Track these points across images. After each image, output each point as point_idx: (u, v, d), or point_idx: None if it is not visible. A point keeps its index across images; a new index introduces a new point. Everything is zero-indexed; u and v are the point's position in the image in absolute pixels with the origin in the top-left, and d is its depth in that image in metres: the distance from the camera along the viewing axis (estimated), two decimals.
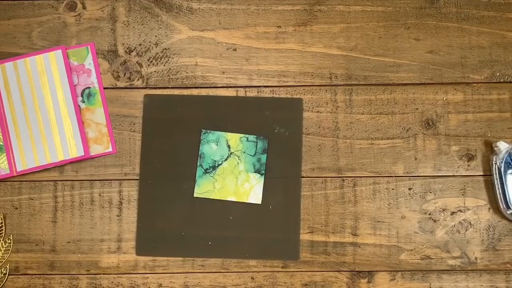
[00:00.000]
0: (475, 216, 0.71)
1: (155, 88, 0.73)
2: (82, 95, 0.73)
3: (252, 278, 0.71)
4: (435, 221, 0.71)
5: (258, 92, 0.73)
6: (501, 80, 0.73)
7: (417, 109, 0.73)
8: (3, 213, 0.71)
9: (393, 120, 0.73)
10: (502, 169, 0.69)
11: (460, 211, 0.71)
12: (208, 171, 0.71)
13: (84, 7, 0.74)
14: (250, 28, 0.74)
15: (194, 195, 0.71)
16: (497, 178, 0.70)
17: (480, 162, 0.72)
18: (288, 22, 0.74)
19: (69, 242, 0.71)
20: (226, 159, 0.71)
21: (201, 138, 0.72)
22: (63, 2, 0.74)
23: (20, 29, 0.74)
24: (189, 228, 0.71)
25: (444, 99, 0.73)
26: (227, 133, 0.72)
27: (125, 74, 0.74)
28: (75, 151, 0.71)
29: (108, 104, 0.73)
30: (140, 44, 0.74)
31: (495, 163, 0.70)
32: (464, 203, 0.71)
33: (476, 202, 0.71)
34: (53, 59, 0.72)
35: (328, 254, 0.70)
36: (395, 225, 0.71)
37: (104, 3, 0.75)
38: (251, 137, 0.72)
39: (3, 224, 0.71)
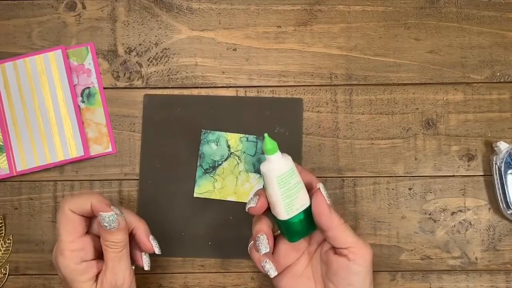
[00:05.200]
0: (475, 216, 0.71)
1: (155, 88, 0.73)
2: (82, 95, 0.73)
3: (252, 278, 0.71)
4: (435, 221, 0.71)
5: (258, 92, 0.73)
6: (502, 80, 0.73)
7: (417, 109, 0.73)
8: (3, 213, 0.71)
9: (393, 120, 0.73)
10: (502, 169, 0.69)
11: (460, 211, 0.71)
12: (208, 171, 0.71)
13: (84, 7, 0.74)
14: (250, 28, 0.74)
15: (194, 195, 0.71)
16: (497, 178, 0.69)
17: (480, 162, 0.72)
18: (288, 22, 0.74)
19: None
20: (226, 159, 0.71)
21: (201, 138, 0.72)
22: (63, 2, 0.74)
23: (20, 29, 0.74)
24: (189, 228, 0.71)
25: (444, 99, 0.73)
26: (227, 133, 0.72)
27: (125, 74, 0.73)
28: (75, 151, 0.71)
29: (108, 104, 0.73)
30: (140, 44, 0.74)
31: (495, 163, 0.69)
32: (464, 203, 0.71)
33: (476, 202, 0.71)
34: (53, 59, 0.72)
35: None
36: (395, 225, 0.71)
37: (104, 3, 0.75)
38: (251, 137, 0.72)
39: (3, 224, 0.71)
